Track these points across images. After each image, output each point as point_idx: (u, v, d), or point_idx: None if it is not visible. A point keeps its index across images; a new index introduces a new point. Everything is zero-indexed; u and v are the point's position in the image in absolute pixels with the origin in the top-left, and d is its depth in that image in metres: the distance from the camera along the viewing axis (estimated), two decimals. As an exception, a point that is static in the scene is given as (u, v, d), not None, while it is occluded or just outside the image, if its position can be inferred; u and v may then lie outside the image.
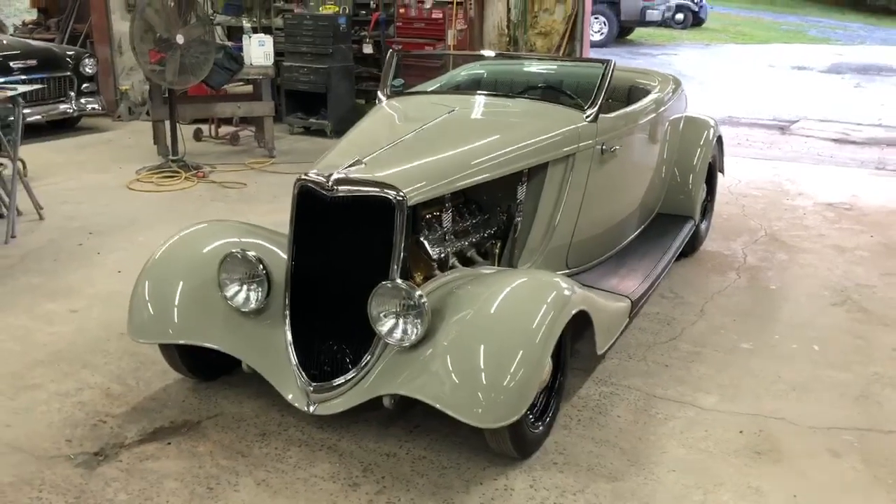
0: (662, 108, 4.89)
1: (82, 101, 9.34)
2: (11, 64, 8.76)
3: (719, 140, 5.60)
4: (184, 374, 3.67)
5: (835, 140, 9.65)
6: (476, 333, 2.99)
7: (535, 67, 5.15)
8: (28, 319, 4.40)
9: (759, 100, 12.43)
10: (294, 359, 3.24)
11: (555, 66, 5.12)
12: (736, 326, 4.44)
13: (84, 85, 9.37)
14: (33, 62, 8.94)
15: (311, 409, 3.15)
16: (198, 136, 9.06)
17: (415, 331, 3.01)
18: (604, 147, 4.10)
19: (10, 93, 5.77)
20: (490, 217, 3.96)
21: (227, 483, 3.02)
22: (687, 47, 19.35)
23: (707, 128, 5.41)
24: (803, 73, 15.49)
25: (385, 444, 3.26)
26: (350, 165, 3.24)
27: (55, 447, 3.23)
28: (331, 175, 3.16)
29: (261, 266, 3.31)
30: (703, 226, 5.58)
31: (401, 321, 3.03)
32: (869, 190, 7.31)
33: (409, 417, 3.38)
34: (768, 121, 10.87)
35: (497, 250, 3.94)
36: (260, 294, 3.33)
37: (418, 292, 2.99)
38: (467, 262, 3.80)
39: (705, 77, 14.52)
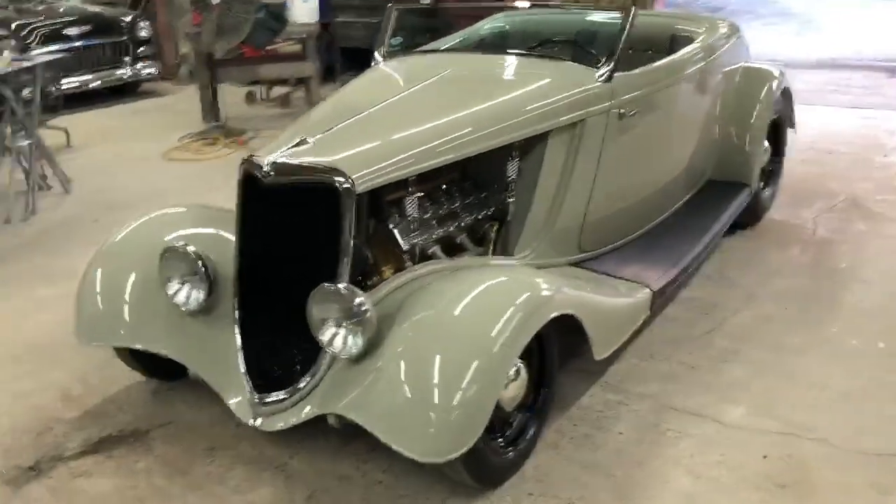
0: (711, 58, 4.20)
1: (138, 66, 9.22)
2: (66, 31, 8.70)
3: (786, 93, 4.84)
4: (144, 375, 3.37)
5: (954, 81, 8.50)
6: (425, 344, 2.53)
7: (562, 18, 4.52)
8: (18, 305, 4.21)
9: (875, 38, 11.12)
10: (242, 366, 2.86)
11: (585, 18, 4.48)
12: (788, 316, 3.80)
13: (140, 49, 9.24)
14: (88, 28, 8.84)
15: (257, 422, 2.77)
16: (250, 98, 8.80)
17: (356, 342, 2.58)
18: (622, 111, 3.50)
19: (25, 63, 5.57)
20: (488, 196, 3.45)
21: (155, 509, 2.70)
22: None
23: (769, 79, 4.66)
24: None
25: (340, 465, 2.86)
26: (293, 146, 2.81)
27: (-10, 459, 2.99)
28: (265, 158, 2.74)
29: (200, 263, 2.93)
30: (766, 193, 4.87)
31: (341, 330, 2.60)
32: (984, 141, 6.32)
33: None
34: (877, 62, 9.69)
35: (493, 234, 3.43)
36: (200, 294, 2.95)
37: (359, 298, 2.54)
38: (457, 248, 3.32)
39: (814, 14, 13.19)
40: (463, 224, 3.32)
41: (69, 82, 8.64)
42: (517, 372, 2.68)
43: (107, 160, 6.90)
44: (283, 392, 2.69)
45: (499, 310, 2.59)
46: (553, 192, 3.39)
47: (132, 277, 3.13)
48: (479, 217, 3.40)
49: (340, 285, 2.57)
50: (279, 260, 2.86)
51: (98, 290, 3.15)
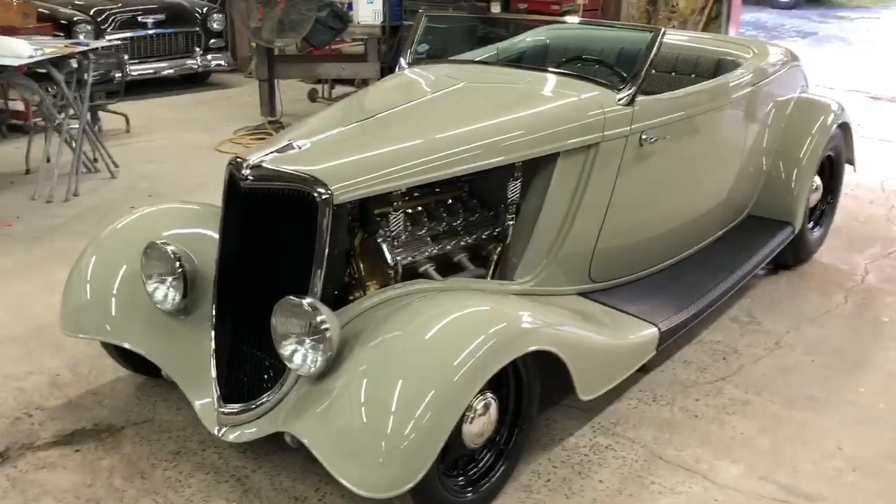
0: (755, 86, 3.94)
1: (208, 57, 9.34)
2: (141, 18, 8.88)
3: (844, 128, 4.52)
4: (128, 370, 3.33)
5: None
6: (387, 369, 2.41)
7: (606, 35, 4.31)
8: (35, 287, 4.25)
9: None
10: (213, 372, 2.79)
11: (630, 36, 4.26)
12: (813, 369, 3.52)
13: (211, 41, 9.37)
14: (162, 17, 9.00)
15: (220, 432, 2.69)
16: (312, 96, 8.81)
17: (316, 360, 2.47)
18: (643, 137, 3.30)
19: (80, 48, 5.67)
20: (495, 215, 3.30)
21: (104, 511, 2.65)
22: (898, 9, 16.94)
23: (825, 112, 4.36)
24: None
25: (301, 485, 2.76)
26: (277, 150, 2.72)
27: (-37, 441, 3.00)
28: (246, 161, 2.66)
29: (177, 263, 2.87)
30: (814, 233, 4.56)
31: (302, 346, 2.49)
32: None
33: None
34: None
35: (495, 256, 3.27)
36: (176, 294, 2.89)
37: (321, 316, 2.43)
38: (455, 268, 3.18)
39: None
40: (462, 243, 3.19)
41: (142, 68, 8.85)
42: (486, 406, 2.52)
43: (159, 148, 6.99)
44: (239, 404, 2.61)
45: (468, 338, 2.45)
46: (560, 217, 3.21)
47: (122, 272, 3.10)
48: (483, 237, 3.25)
49: (305, 300, 2.47)
50: (256, 267, 2.77)
51: (88, 280, 3.13)
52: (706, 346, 3.68)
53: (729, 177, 3.97)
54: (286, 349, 2.51)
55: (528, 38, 4.57)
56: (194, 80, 9.68)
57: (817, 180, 4.43)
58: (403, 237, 2.97)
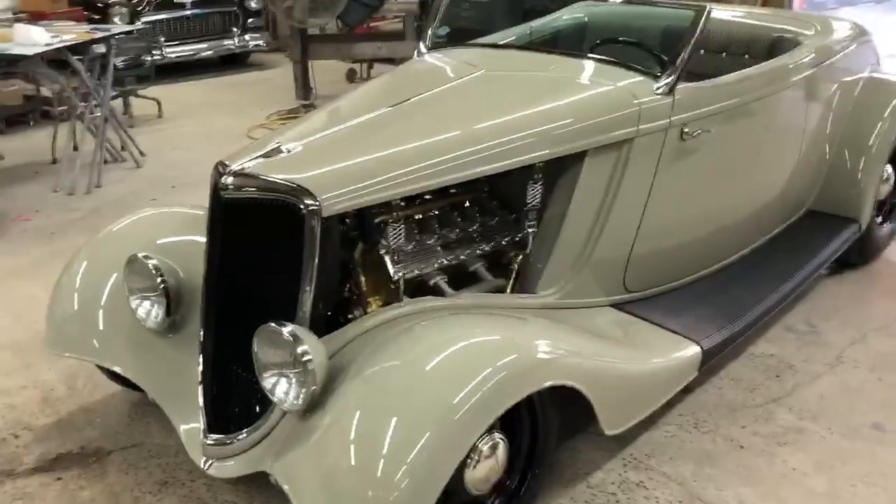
0: (817, 67, 3.50)
1: (246, 37, 9.15)
2: (177, -1, 8.73)
3: (921, 111, 4.03)
4: (121, 386, 3.11)
5: None
6: (381, 405, 2.12)
7: (650, 12, 3.89)
8: (40, 289, 4.02)
9: None
10: (200, 399, 2.53)
11: (677, 14, 3.84)
12: (881, 390, 3.12)
13: (249, 20, 9.16)
14: (199, -4, 8.83)
15: (206, 465, 2.44)
16: (351, 76, 8.56)
17: (299, 394, 2.18)
18: (685, 130, 2.92)
19: (100, 34, 5.47)
20: (518, 219, 2.97)
21: (78, 553, 2.42)
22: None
23: (897, 93, 3.89)
24: None
25: (293, 524, 2.49)
26: (264, 155, 2.43)
27: (-59, 467, 2.81)
28: (229, 167, 2.38)
29: (160, 278, 2.61)
30: (884, 229, 4.11)
31: (284, 379, 2.21)
32: None
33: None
34: None
35: (516, 265, 2.94)
36: (159, 312, 2.63)
37: (303, 346, 2.14)
38: (470, 278, 2.86)
39: None
40: (479, 251, 2.87)
41: (179, 51, 8.70)
42: (493, 448, 2.22)
43: (189, 134, 6.80)
44: (222, 434, 2.35)
45: (473, 371, 2.14)
46: (590, 221, 2.86)
47: (111, 282, 2.86)
48: (502, 244, 2.93)
49: (285, 329, 2.17)
50: (243, 283, 2.49)
51: (76, 290, 2.91)
52: (757, 361, 3.30)
53: (785, 170, 3.55)
54: (268, 381, 2.23)
55: (564, 16, 4.19)
56: (233, 62, 9.51)
57: (888, 170, 3.98)
58: (409, 247, 2.67)
